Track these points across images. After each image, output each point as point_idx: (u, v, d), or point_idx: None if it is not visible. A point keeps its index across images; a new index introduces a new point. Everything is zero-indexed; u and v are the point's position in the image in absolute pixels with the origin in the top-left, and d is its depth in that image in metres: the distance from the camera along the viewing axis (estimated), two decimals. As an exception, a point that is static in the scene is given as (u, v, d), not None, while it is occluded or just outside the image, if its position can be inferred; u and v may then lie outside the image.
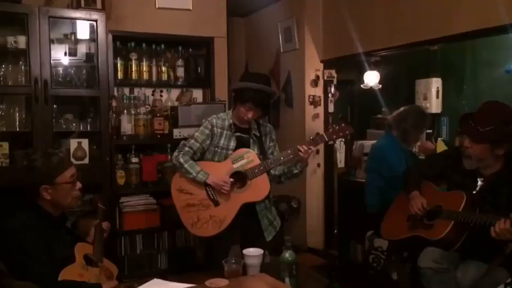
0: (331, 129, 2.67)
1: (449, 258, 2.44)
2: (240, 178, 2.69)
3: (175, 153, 2.77)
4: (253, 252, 2.18)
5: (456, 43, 4.23)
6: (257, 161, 2.67)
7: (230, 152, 2.72)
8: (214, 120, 2.78)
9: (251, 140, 2.78)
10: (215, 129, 2.76)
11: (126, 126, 3.65)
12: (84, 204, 3.29)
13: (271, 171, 2.75)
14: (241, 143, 2.75)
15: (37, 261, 2.00)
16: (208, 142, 2.76)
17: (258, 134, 2.80)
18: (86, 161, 3.36)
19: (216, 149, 2.74)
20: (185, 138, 2.90)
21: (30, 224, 2.06)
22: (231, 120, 2.78)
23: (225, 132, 2.76)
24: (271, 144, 2.86)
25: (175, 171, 2.83)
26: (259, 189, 2.67)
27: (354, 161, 4.52)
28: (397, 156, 3.25)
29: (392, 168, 3.14)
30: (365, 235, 3.66)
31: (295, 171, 2.75)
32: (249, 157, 2.68)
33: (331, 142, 2.71)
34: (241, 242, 2.83)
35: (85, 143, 3.38)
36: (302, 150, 2.58)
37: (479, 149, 2.39)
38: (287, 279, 2.00)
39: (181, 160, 2.71)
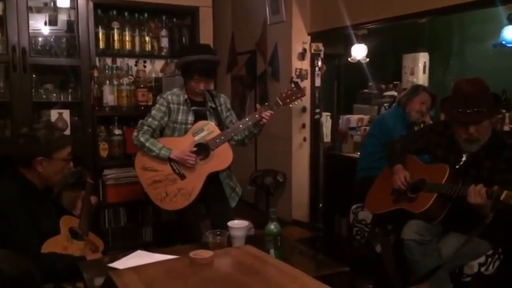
0: (283, 94, 2.80)
1: (432, 231, 2.46)
2: (202, 149, 2.76)
3: (135, 133, 2.80)
4: (238, 224, 2.16)
5: (444, 17, 4.20)
6: (217, 132, 2.76)
7: (189, 126, 2.78)
8: (169, 97, 2.81)
9: (208, 112, 2.85)
10: (171, 105, 2.79)
11: (109, 97, 3.58)
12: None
13: (234, 137, 2.84)
14: (199, 116, 2.81)
15: (21, 232, 1.98)
16: (166, 119, 2.80)
17: (214, 106, 2.86)
18: (68, 132, 3.30)
19: (175, 124, 2.79)
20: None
21: (16, 194, 2.03)
22: (185, 96, 2.81)
23: (181, 107, 2.80)
24: (228, 113, 2.94)
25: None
26: (222, 158, 2.76)
27: (340, 135, 4.53)
28: (398, 125, 3.35)
29: (392, 134, 3.18)
30: (350, 209, 3.68)
31: (255, 131, 2.86)
32: (209, 128, 2.75)
33: (285, 105, 2.83)
34: (209, 212, 2.94)
35: (66, 114, 3.33)
36: (265, 117, 2.71)
37: (485, 127, 2.37)
38: (272, 251, 1.99)
39: (142, 139, 2.75)
